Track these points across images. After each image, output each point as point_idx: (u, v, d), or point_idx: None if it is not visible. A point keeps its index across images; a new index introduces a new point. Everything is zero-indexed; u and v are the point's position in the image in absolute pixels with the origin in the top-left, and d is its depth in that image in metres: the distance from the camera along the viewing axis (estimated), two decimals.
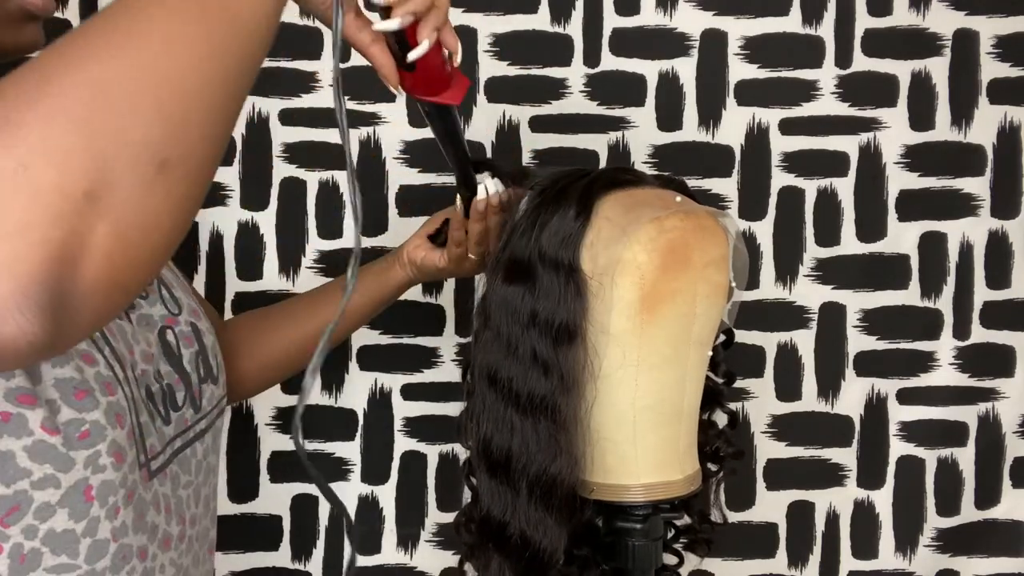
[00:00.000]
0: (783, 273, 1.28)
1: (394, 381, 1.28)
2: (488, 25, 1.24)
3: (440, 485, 1.29)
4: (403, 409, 1.28)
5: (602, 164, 1.26)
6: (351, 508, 1.29)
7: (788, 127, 1.27)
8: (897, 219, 1.28)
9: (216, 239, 1.25)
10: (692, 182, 1.20)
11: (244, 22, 0.55)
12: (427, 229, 1.05)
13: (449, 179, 1.25)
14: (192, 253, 1.25)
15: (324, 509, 1.28)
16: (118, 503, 0.68)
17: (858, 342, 1.29)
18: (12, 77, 0.47)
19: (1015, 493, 1.32)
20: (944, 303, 1.29)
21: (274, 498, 1.28)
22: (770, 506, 1.31)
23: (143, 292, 0.80)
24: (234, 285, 1.26)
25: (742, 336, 1.26)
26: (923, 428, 1.30)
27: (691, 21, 1.25)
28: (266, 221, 1.25)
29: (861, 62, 1.26)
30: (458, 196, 0.97)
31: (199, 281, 1.25)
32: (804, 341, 1.29)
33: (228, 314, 1.25)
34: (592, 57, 1.25)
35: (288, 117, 1.24)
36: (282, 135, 1.24)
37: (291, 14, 1.22)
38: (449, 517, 1.26)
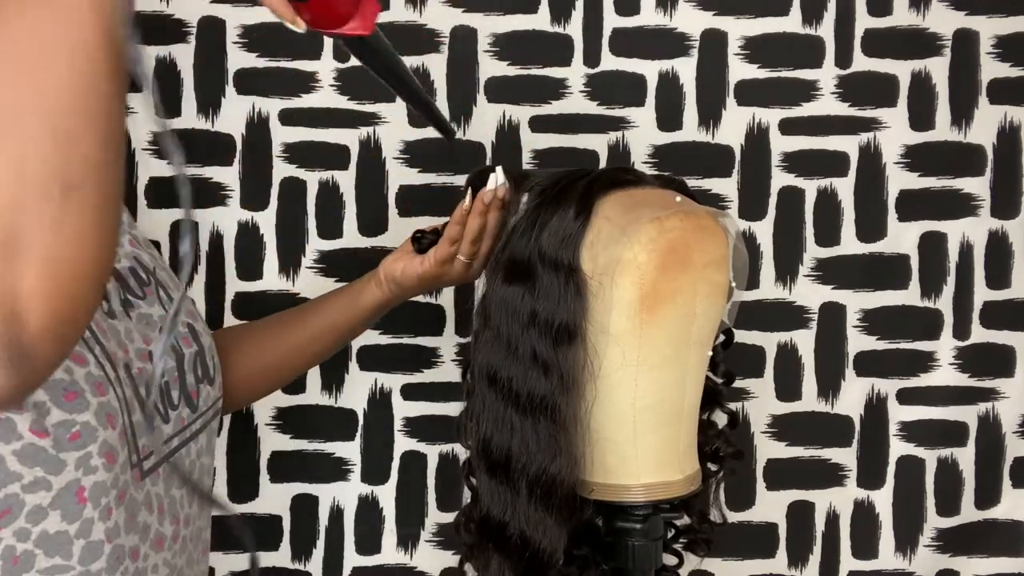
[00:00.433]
0: (783, 273, 1.28)
1: (394, 381, 1.28)
2: (488, 25, 1.24)
3: (440, 485, 1.29)
4: (403, 409, 1.28)
5: (602, 164, 1.26)
6: (351, 508, 1.29)
7: (788, 127, 1.27)
8: (897, 219, 1.28)
9: (216, 239, 1.25)
10: (692, 182, 1.20)
11: (65, 63, 0.53)
12: (403, 247, 1.03)
13: (449, 179, 1.25)
14: (192, 253, 1.25)
15: (324, 509, 1.28)
16: (111, 503, 0.68)
17: (858, 342, 1.29)
18: None
19: (1015, 493, 1.32)
20: (944, 303, 1.29)
21: (274, 498, 1.28)
22: (770, 506, 1.31)
23: (139, 292, 0.80)
24: (234, 285, 1.26)
25: (742, 336, 1.26)
26: (923, 428, 1.30)
27: (691, 21, 1.25)
28: (266, 221, 1.25)
29: (861, 62, 1.26)
30: (468, 191, 0.96)
31: (199, 281, 1.25)
32: (804, 341, 1.29)
33: (228, 314, 1.25)
34: (592, 57, 1.25)
35: (288, 117, 1.24)
36: (282, 135, 1.24)
37: None
38: (449, 517, 1.26)
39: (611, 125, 1.26)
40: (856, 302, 1.29)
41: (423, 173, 1.25)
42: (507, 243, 0.90)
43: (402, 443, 1.28)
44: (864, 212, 1.28)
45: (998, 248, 1.29)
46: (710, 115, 1.26)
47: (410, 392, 1.28)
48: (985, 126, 1.27)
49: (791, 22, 1.26)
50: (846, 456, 1.31)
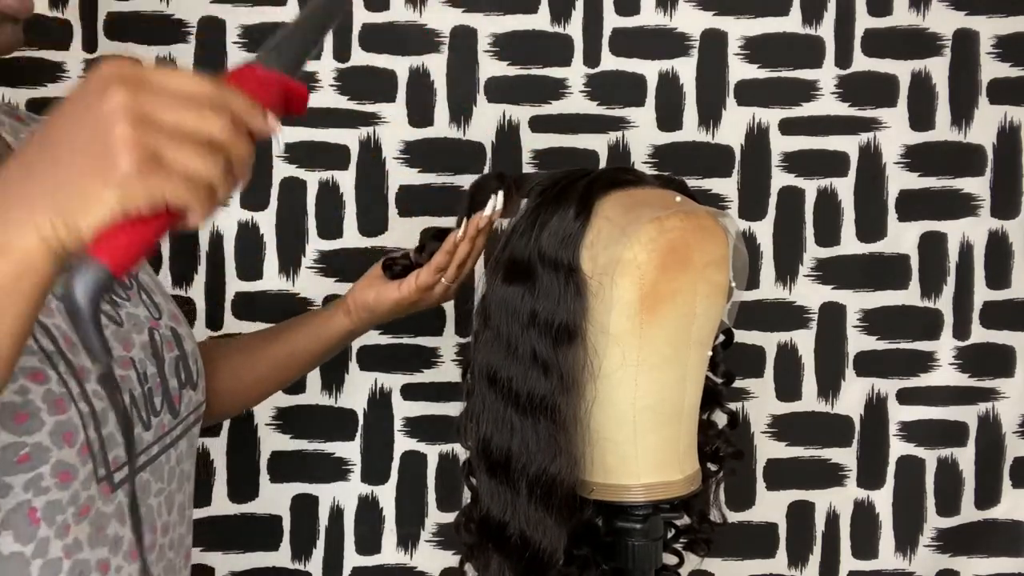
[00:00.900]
0: (783, 273, 1.28)
1: (394, 381, 1.28)
2: (488, 25, 1.24)
3: (440, 485, 1.29)
4: (403, 409, 1.28)
5: (602, 164, 1.26)
6: (351, 508, 1.29)
7: (788, 127, 1.27)
8: (897, 219, 1.28)
9: (216, 239, 1.25)
10: (692, 182, 1.20)
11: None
12: (372, 273, 1.03)
13: (449, 179, 1.25)
14: (192, 253, 1.25)
15: (324, 509, 1.28)
16: (68, 521, 0.68)
17: (858, 342, 1.29)
18: None
19: (1015, 493, 1.32)
20: (944, 303, 1.29)
21: (274, 498, 1.28)
22: (770, 506, 1.31)
23: (123, 295, 0.80)
24: (234, 285, 1.26)
25: (742, 336, 1.26)
26: (923, 428, 1.30)
27: (691, 21, 1.25)
28: (266, 221, 1.25)
29: (861, 62, 1.26)
30: (464, 220, 0.96)
31: (199, 281, 1.25)
32: (804, 341, 1.29)
33: (228, 314, 1.25)
34: (592, 57, 1.25)
35: (288, 117, 1.24)
36: (282, 135, 1.24)
37: (290, 14, 1.23)
38: (449, 517, 1.26)
39: (611, 125, 1.26)
40: (856, 302, 1.29)
41: (423, 173, 1.25)
42: (507, 243, 0.90)
43: (402, 443, 1.28)
44: (864, 212, 1.28)
45: (998, 248, 1.29)
46: (710, 115, 1.26)
47: (410, 392, 1.28)
48: (985, 126, 1.27)
49: (791, 22, 1.26)
50: (846, 456, 1.31)
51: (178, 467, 0.83)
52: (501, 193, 0.95)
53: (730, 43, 1.26)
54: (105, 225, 0.51)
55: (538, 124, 1.25)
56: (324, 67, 1.23)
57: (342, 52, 1.23)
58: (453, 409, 1.24)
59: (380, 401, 1.28)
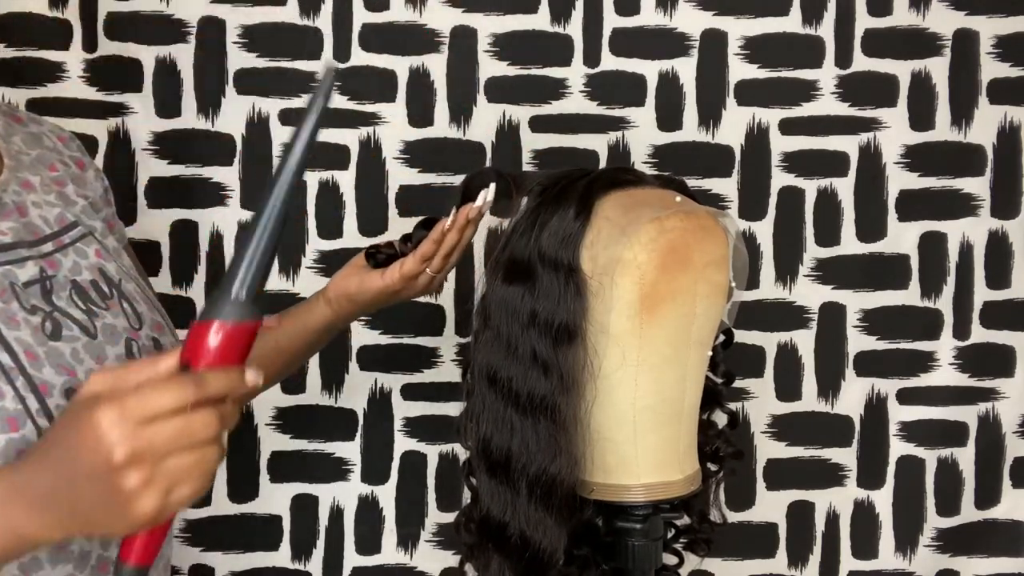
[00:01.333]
0: (783, 273, 1.28)
1: (394, 381, 1.28)
2: (488, 25, 1.24)
3: (440, 485, 1.29)
4: (403, 409, 1.28)
5: (602, 164, 1.26)
6: (351, 508, 1.29)
7: (788, 127, 1.27)
8: (897, 219, 1.28)
9: (216, 239, 1.25)
10: (692, 182, 1.20)
11: None
12: (355, 262, 1.01)
13: (449, 179, 1.25)
14: (192, 253, 1.25)
15: (324, 509, 1.28)
16: None
17: (858, 342, 1.29)
18: None
19: (1015, 493, 1.32)
20: (944, 303, 1.29)
21: (274, 498, 1.28)
22: (770, 506, 1.31)
23: (102, 305, 0.79)
24: None
25: (742, 336, 1.26)
26: (923, 428, 1.30)
27: (691, 21, 1.25)
28: None
29: (861, 62, 1.26)
30: (453, 210, 0.95)
31: (199, 281, 1.25)
32: (804, 341, 1.29)
33: None
34: (592, 57, 1.25)
35: (288, 117, 1.24)
36: (282, 135, 1.24)
37: (291, 14, 1.23)
38: (449, 517, 1.26)
39: (611, 125, 1.26)
40: (856, 302, 1.29)
41: (423, 173, 1.25)
42: (507, 243, 0.90)
43: (402, 443, 1.28)
44: (864, 212, 1.28)
45: (998, 248, 1.29)
46: (710, 115, 1.26)
47: (410, 392, 1.28)
48: (985, 126, 1.27)
49: (791, 22, 1.26)
50: (846, 456, 1.31)
51: None
52: (493, 186, 0.94)
53: (730, 43, 1.26)
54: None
55: (538, 124, 1.25)
56: (324, 67, 1.23)
57: (342, 52, 1.23)
58: (453, 409, 1.24)
59: (380, 401, 1.28)
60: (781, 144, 1.27)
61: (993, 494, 1.32)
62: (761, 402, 1.30)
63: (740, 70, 1.26)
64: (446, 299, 1.27)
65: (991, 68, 1.27)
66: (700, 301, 0.86)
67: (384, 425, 1.28)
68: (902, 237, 1.28)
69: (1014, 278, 1.29)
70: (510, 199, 0.94)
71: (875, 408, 1.30)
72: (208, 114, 1.23)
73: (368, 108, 1.24)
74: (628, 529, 0.91)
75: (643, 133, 1.26)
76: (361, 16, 1.23)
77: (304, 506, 1.28)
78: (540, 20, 1.24)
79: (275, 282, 1.26)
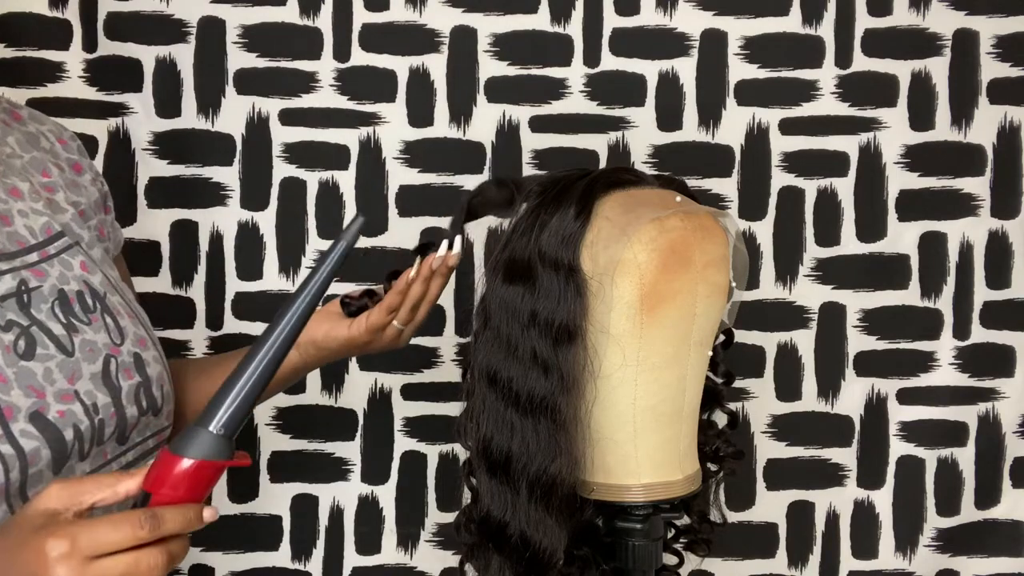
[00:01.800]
0: (783, 273, 1.28)
1: (394, 381, 1.28)
2: (488, 25, 1.24)
3: (440, 485, 1.29)
4: (403, 409, 1.28)
5: (602, 164, 1.26)
6: (351, 508, 1.29)
7: (788, 127, 1.27)
8: (897, 219, 1.28)
9: (216, 239, 1.25)
10: (692, 182, 1.20)
11: None
12: (327, 308, 0.97)
13: (449, 179, 1.25)
14: (192, 253, 1.25)
15: (324, 509, 1.28)
16: None
17: (858, 342, 1.29)
18: None
19: (1015, 493, 1.32)
20: (944, 303, 1.29)
21: (274, 498, 1.28)
22: (770, 506, 1.31)
23: (84, 319, 0.78)
24: (234, 285, 1.26)
25: (742, 336, 1.26)
26: (923, 428, 1.30)
27: (691, 21, 1.25)
28: (266, 221, 1.25)
29: (861, 62, 1.26)
30: (417, 258, 0.93)
31: (199, 281, 1.25)
32: (804, 341, 1.29)
33: (228, 314, 1.25)
34: (592, 57, 1.25)
35: (288, 117, 1.24)
36: (282, 135, 1.24)
37: (291, 14, 1.23)
38: (449, 517, 1.26)
39: (611, 125, 1.26)
40: (856, 302, 1.29)
41: (423, 173, 1.25)
42: (507, 243, 0.90)
43: (402, 443, 1.28)
44: (864, 212, 1.28)
45: (998, 248, 1.29)
46: (710, 115, 1.26)
47: (410, 392, 1.28)
48: (985, 126, 1.27)
49: (791, 22, 1.26)
50: (846, 456, 1.31)
51: None
52: (459, 238, 0.93)
53: (730, 43, 1.26)
54: None
55: (538, 124, 1.25)
56: (324, 67, 1.23)
57: (342, 52, 1.23)
58: (453, 409, 1.24)
59: (380, 401, 1.28)
60: (781, 144, 1.27)
61: (993, 494, 1.32)
62: (761, 402, 1.30)
63: (740, 70, 1.26)
64: (446, 299, 1.27)
65: (991, 68, 1.27)
66: (700, 301, 0.86)
67: (384, 425, 1.28)
68: (902, 237, 1.28)
69: (1014, 278, 1.29)
70: (509, 207, 0.93)
71: (875, 408, 1.30)
72: (208, 114, 1.23)
73: (368, 108, 1.24)
74: (628, 529, 0.91)
75: (643, 133, 1.26)
76: (361, 16, 1.23)
77: (304, 506, 1.28)
78: (540, 20, 1.24)
79: (275, 283, 1.26)
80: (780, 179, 1.28)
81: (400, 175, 1.26)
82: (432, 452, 1.29)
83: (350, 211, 1.25)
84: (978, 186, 1.28)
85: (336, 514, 1.28)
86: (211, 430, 0.63)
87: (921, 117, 1.27)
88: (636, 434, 0.88)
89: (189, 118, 1.23)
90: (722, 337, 0.99)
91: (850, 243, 1.28)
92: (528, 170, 1.25)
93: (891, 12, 1.26)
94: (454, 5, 1.23)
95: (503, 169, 1.25)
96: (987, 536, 1.32)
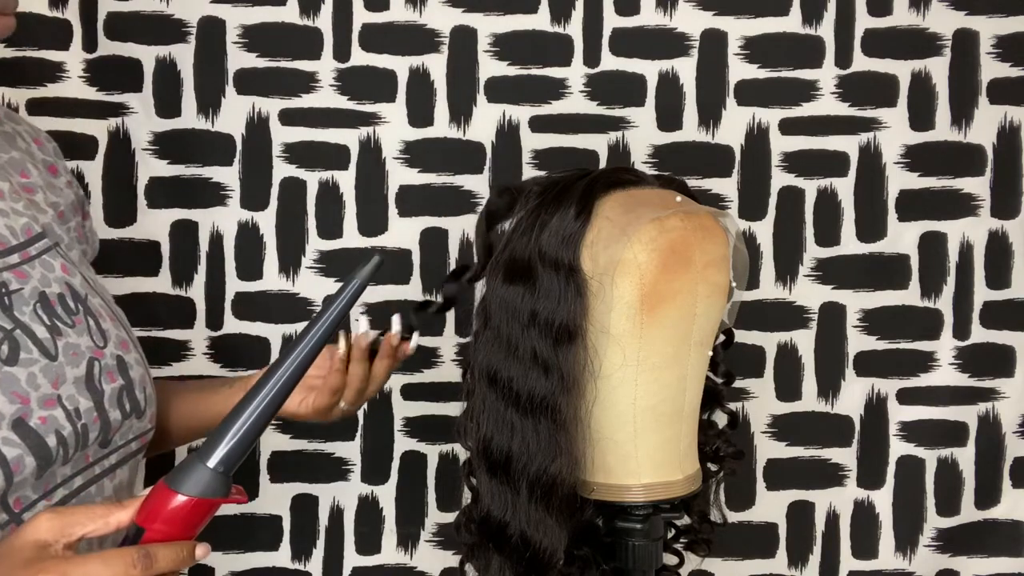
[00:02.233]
0: (783, 273, 1.28)
1: (394, 381, 1.28)
2: (488, 25, 1.24)
3: (440, 485, 1.29)
4: (403, 409, 1.28)
5: (602, 164, 1.26)
6: (351, 508, 1.29)
7: (788, 127, 1.27)
8: (897, 219, 1.28)
9: (216, 239, 1.25)
10: (692, 182, 1.20)
11: None
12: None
13: (449, 179, 1.25)
14: (192, 253, 1.25)
15: (324, 509, 1.28)
16: None
17: (858, 342, 1.29)
18: None
19: (1015, 493, 1.32)
20: (944, 303, 1.29)
21: (274, 498, 1.28)
22: (770, 506, 1.31)
23: (68, 321, 0.77)
24: (234, 285, 1.26)
25: (742, 336, 1.26)
26: (923, 428, 1.30)
27: (691, 21, 1.25)
28: (266, 221, 1.25)
29: (861, 62, 1.26)
30: (341, 334, 0.91)
31: (199, 281, 1.25)
32: (804, 341, 1.29)
33: (228, 314, 1.25)
34: (592, 57, 1.25)
35: (288, 117, 1.24)
36: (282, 135, 1.24)
37: (291, 14, 1.23)
38: (449, 517, 1.26)
39: (611, 125, 1.26)
40: (856, 302, 1.29)
41: (423, 173, 1.25)
42: (507, 243, 0.90)
43: (402, 443, 1.28)
44: (864, 212, 1.28)
45: (998, 248, 1.29)
46: (710, 115, 1.26)
47: (410, 392, 1.28)
48: (985, 126, 1.27)
49: (791, 22, 1.26)
50: (846, 456, 1.31)
51: (116, 498, 0.80)
52: (397, 320, 0.92)
53: (730, 43, 1.26)
54: None
55: (538, 124, 1.25)
56: (324, 67, 1.23)
57: (342, 52, 1.23)
58: (453, 409, 1.24)
59: (380, 401, 1.28)
60: (781, 144, 1.27)
61: (993, 494, 1.32)
62: (761, 402, 1.30)
63: (740, 70, 1.26)
64: None
65: (991, 68, 1.27)
66: (700, 301, 0.86)
67: (384, 425, 1.28)
68: (902, 237, 1.28)
69: (1014, 278, 1.29)
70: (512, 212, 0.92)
71: (875, 408, 1.30)
72: (208, 114, 1.23)
73: (368, 108, 1.24)
74: (628, 529, 0.91)
75: (643, 133, 1.26)
76: (361, 16, 1.23)
77: (304, 506, 1.28)
78: (540, 20, 1.25)
79: (275, 282, 1.26)
80: (780, 179, 1.28)
81: (400, 175, 1.26)
82: (432, 452, 1.29)
83: (350, 211, 1.25)
84: (978, 186, 1.28)
85: (336, 514, 1.28)
86: (209, 466, 0.62)
87: (921, 117, 1.27)
88: (636, 434, 0.88)
89: (189, 118, 1.23)
90: (722, 337, 0.99)
91: (850, 243, 1.28)
92: (528, 170, 1.25)
93: (891, 12, 1.26)
94: (454, 5, 1.23)
95: (503, 169, 1.25)
96: (987, 536, 1.32)
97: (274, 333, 1.26)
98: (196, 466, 0.63)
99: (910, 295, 1.29)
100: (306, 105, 1.24)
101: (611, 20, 1.25)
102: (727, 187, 1.27)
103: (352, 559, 1.29)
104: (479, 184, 1.25)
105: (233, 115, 1.23)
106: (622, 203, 0.87)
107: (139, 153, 1.23)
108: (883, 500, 1.31)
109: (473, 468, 0.93)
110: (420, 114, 1.25)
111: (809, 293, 1.29)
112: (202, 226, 1.25)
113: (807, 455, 1.31)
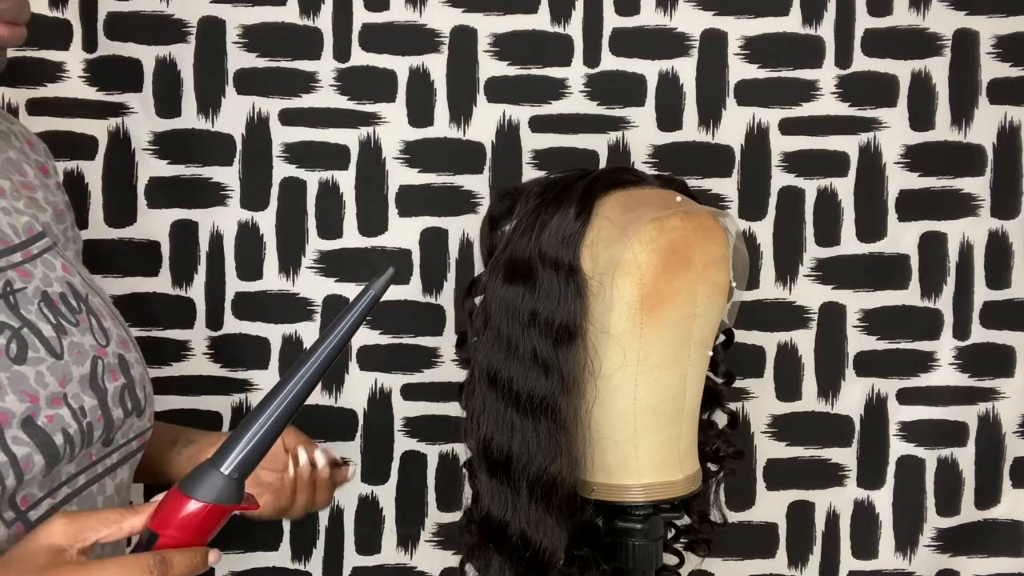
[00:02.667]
0: (783, 273, 1.28)
1: (394, 381, 1.28)
2: (488, 25, 1.24)
3: (440, 485, 1.29)
4: (403, 409, 1.28)
5: (602, 164, 1.26)
6: (351, 508, 1.29)
7: (788, 127, 1.27)
8: (897, 219, 1.28)
9: (216, 239, 1.25)
10: (692, 182, 1.20)
11: None
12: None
13: (449, 179, 1.25)
14: (192, 253, 1.25)
15: (324, 509, 1.28)
16: None
17: (858, 342, 1.29)
18: None
19: (1015, 493, 1.32)
20: (944, 303, 1.29)
21: None
22: (770, 506, 1.31)
23: (72, 320, 0.77)
24: (234, 285, 1.26)
25: (742, 336, 1.26)
26: (923, 428, 1.30)
27: (691, 21, 1.25)
28: (266, 221, 1.25)
29: (861, 62, 1.26)
30: (291, 458, 0.92)
31: (199, 281, 1.25)
32: (804, 341, 1.29)
33: (228, 314, 1.25)
34: (592, 57, 1.25)
35: (288, 117, 1.24)
36: (282, 135, 1.24)
37: (291, 14, 1.23)
38: (449, 517, 1.26)
39: (611, 125, 1.26)
40: (856, 302, 1.29)
41: (423, 173, 1.25)
42: (507, 243, 0.90)
43: (402, 443, 1.28)
44: (864, 212, 1.28)
45: (998, 248, 1.29)
46: (710, 115, 1.26)
47: (410, 392, 1.28)
48: (985, 126, 1.27)
49: (791, 22, 1.26)
50: (846, 456, 1.31)
51: (117, 496, 0.80)
52: (321, 455, 0.94)
53: (730, 43, 1.26)
54: None
55: (538, 124, 1.25)
56: (324, 67, 1.23)
57: (342, 52, 1.23)
58: (453, 409, 1.24)
59: (380, 401, 1.28)
60: (781, 144, 1.27)
61: (993, 494, 1.32)
62: (761, 402, 1.30)
63: (740, 70, 1.26)
64: (446, 299, 1.27)
65: (991, 68, 1.26)
66: (700, 301, 0.86)
67: (384, 425, 1.28)
68: (902, 237, 1.28)
69: (1014, 278, 1.29)
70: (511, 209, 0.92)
71: (875, 408, 1.30)
72: (208, 114, 1.23)
73: (368, 108, 1.24)
74: (628, 529, 0.91)
75: (643, 133, 1.26)
76: (361, 16, 1.23)
77: None
78: (540, 20, 1.24)
79: (275, 282, 1.25)
80: (780, 179, 1.28)
81: (400, 175, 1.25)
82: (432, 452, 1.29)
83: (350, 211, 1.25)
84: (978, 186, 1.28)
85: (336, 514, 1.28)
86: (224, 472, 0.63)
87: (921, 117, 1.27)
88: (636, 434, 0.88)
89: (189, 118, 1.23)
90: (722, 337, 0.99)
91: (850, 243, 1.28)
92: (528, 170, 1.25)
93: (891, 12, 1.26)
94: (454, 5, 1.23)
95: (503, 169, 1.25)
96: (987, 536, 1.32)
97: (274, 333, 1.26)
98: (210, 472, 0.63)
99: (910, 295, 1.29)
100: (306, 105, 1.24)
101: (611, 20, 1.25)
102: (727, 187, 1.27)
103: (352, 559, 1.29)
104: (479, 184, 1.25)
105: (233, 115, 1.23)
106: (622, 203, 0.87)
107: (139, 153, 1.23)
108: (883, 500, 1.31)
109: (474, 468, 0.94)
110: (420, 114, 1.25)
111: (809, 293, 1.29)
112: (202, 226, 1.25)
113: (807, 455, 1.31)
